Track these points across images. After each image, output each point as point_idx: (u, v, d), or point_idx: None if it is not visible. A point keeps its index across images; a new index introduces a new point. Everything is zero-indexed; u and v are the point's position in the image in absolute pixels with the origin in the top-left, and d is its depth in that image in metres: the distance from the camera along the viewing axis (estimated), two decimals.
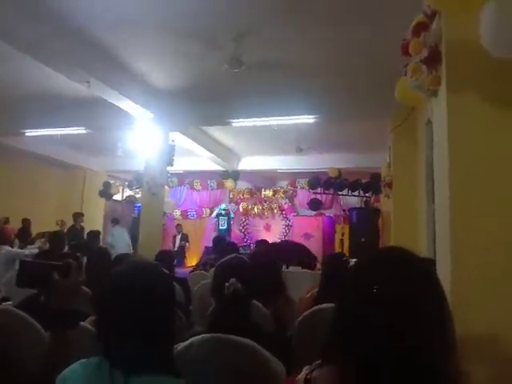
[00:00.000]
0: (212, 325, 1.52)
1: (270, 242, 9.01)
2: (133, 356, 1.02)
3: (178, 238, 10.59)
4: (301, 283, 4.06)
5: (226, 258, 1.76)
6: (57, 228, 7.25)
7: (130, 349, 1.03)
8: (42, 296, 1.75)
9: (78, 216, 8.17)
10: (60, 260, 1.85)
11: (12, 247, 5.62)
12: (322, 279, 2.56)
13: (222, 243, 5.03)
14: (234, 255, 1.77)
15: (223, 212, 11.09)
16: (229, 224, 11.07)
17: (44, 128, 7.12)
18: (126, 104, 5.73)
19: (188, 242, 10.72)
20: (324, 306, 2.00)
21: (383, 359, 0.79)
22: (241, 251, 8.21)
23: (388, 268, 0.87)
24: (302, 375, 0.89)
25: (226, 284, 1.50)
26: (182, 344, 1.41)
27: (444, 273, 1.90)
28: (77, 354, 1.13)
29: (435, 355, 0.80)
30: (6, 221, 7.19)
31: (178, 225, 11.06)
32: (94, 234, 6.86)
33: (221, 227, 10.89)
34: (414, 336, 0.79)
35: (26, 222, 7.54)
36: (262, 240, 7.37)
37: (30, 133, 7.33)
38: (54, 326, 1.29)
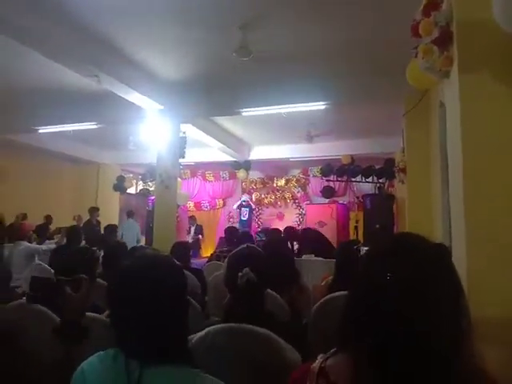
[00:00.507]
0: (227, 315, 1.53)
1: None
2: (147, 348, 1.03)
3: (193, 229, 10.64)
4: (314, 271, 4.06)
5: (238, 248, 1.76)
6: (73, 223, 7.36)
7: (143, 341, 1.03)
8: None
9: (93, 211, 8.28)
10: (76, 254, 1.88)
11: (30, 243, 5.73)
12: (335, 267, 2.56)
13: (234, 234, 5.04)
14: (245, 245, 1.77)
15: (244, 203, 11.03)
16: (250, 215, 11.01)
17: (56, 124, 7.20)
18: (135, 97, 5.74)
19: (202, 233, 10.73)
20: (338, 293, 2.00)
21: (395, 346, 0.78)
22: (258, 237, 8.26)
23: (400, 255, 0.86)
24: (316, 363, 0.89)
25: (239, 274, 1.51)
26: (198, 334, 1.42)
27: (460, 258, 1.88)
28: (95, 346, 1.15)
29: (448, 342, 0.79)
30: (24, 217, 7.32)
31: (191, 216, 11.09)
32: (111, 229, 6.95)
33: (242, 218, 10.81)
34: (425, 323, 0.78)
35: (48, 219, 7.69)
36: (271, 229, 7.36)
37: (42, 130, 7.41)
38: (68, 338, 1.33)
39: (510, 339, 1.74)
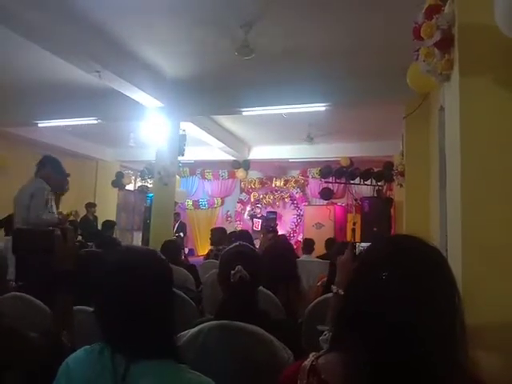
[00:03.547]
0: (219, 312, 1.53)
1: (281, 232, 8.99)
2: (133, 343, 1.02)
3: (176, 227, 10.11)
4: (311, 272, 4.06)
5: (231, 246, 1.76)
6: (71, 218, 7.33)
7: (129, 336, 1.03)
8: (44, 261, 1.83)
9: (90, 206, 8.30)
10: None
11: None
12: (330, 268, 2.56)
13: (220, 235, 5.00)
14: (238, 243, 1.77)
15: (258, 214, 10.83)
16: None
17: (56, 119, 7.18)
18: (136, 94, 5.74)
19: (185, 231, 10.20)
20: (331, 294, 1.99)
21: (388, 346, 0.78)
22: None
23: (395, 257, 0.86)
24: (307, 361, 0.89)
25: (232, 272, 1.50)
26: (190, 331, 1.41)
27: (455, 262, 1.88)
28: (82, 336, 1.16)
29: (441, 343, 0.79)
30: None
31: (175, 213, 10.67)
32: (109, 224, 6.96)
33: (255, 229, 10.21)
34: (419, 324, 0.78)
35: None
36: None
37: (42, 124, 7.40)
38: (61, 288, 1.37)
39: (505, 344, 1.73)
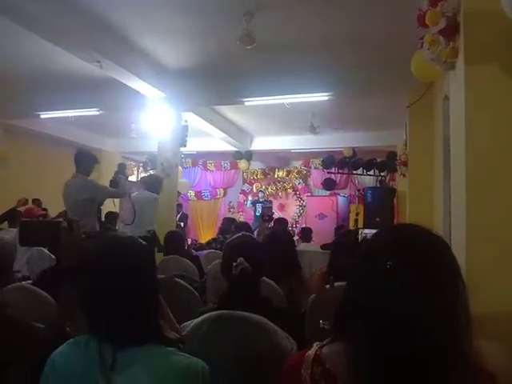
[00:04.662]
0: (222, 302, 1.53)
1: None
2: (119, 331, 1.02)
3: (177, 217, 10.04)
4: (313, 262, 4.07)
5: (233, 237, 1.76)
6: None
7: (115, 324, 1.03)
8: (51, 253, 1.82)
9: None
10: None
11: None
12: (331, 257, 2.57)
13: (230, 225, 5.03)
14: (241, 233, 1.77)
15: (261, 199, 10.79)
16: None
17: (58, 110, 7.15)
18: (137, 84, 5.71)
19: (186, 222, 10.14)
20: (336, 284, 1.99)
21: (392, 336, 0.78)
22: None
23: (400, 247, 0.86)
24: (312, 351, 0.89)
25: (234, 264, 1.51)
26: (194, 321, 1.42)
27: (459, 252, 1.87)
28: None
29: (446, 333, 0.79)
30: (25, 202, 7.30)
31: (177, 204, 10.60)
32: (112, 216, 6.96)
33: (257, 213, 10.24)
34: (424, 313, 0.78)
35: (36, 202, 7.60)
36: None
37: (44, 115, 7.38)
38: (65, 281, 1.36)
39: (508, 335, 1.73)
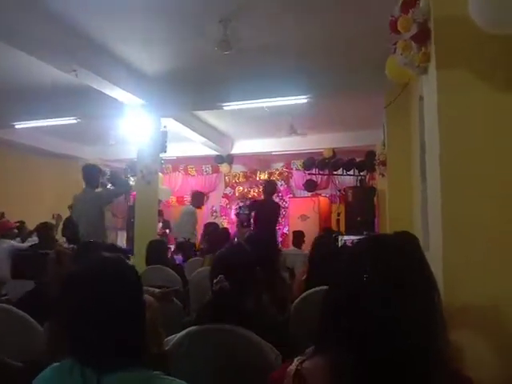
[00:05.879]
0: (202, 314, 1.51)
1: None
2: (103, 354, 1.00)
3: (160, 225, 9.94)
4: (295, 264, 4.09)
5: (224, 249, 1.71)
6: (53, 221, 7.22)
7: (98, 348, 1.00)
8: (39, 285, 1.77)
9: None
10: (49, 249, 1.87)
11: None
12: (309, 262, 2.57)
13: (212, 231, 5.00)
14: (230, 246, 1.73)
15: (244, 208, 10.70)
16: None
17: (34, 120, 7.02)
18: (115, 92, 5.64)
19: (170, 228, 9.81)
20: (318, 289, 2.01)
21: (374, 343, 0.79)
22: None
23: (378, 252, 0.87)
24: (292, 366, 0.89)
25: (214, 280, 1.49)
26: (177, 336, 1.41)
27: (436, 250, 1.91)
28: None
29: (425, 333, 0.81)
30: (1, 216, 7.15)
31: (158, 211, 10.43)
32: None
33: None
34: (403, 324, 0.79)
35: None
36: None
37: (19, 125, 7.23)
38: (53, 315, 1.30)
39: (484, 331, 1.77)
